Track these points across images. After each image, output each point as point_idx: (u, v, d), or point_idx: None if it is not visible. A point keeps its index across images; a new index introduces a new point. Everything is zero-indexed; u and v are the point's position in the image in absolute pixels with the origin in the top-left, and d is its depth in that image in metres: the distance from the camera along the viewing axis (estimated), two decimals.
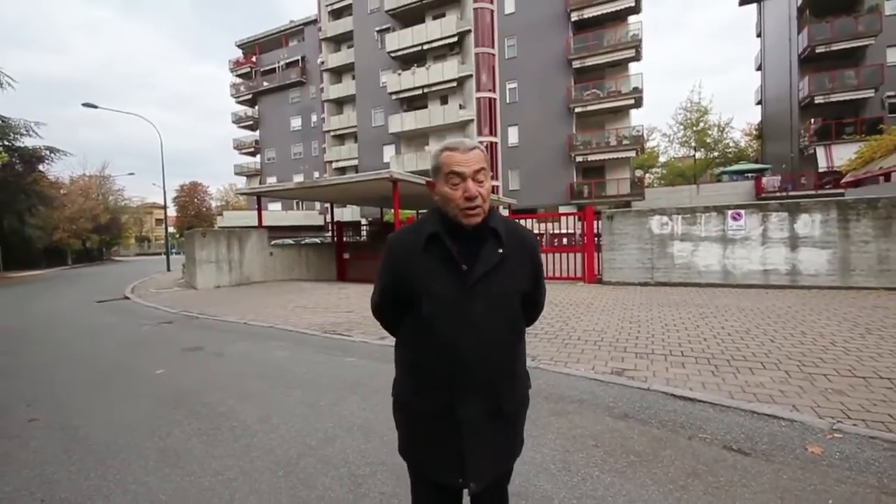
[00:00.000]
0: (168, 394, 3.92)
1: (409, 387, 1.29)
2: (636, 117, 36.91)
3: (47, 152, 23.38)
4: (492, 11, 26.83)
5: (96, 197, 34.73)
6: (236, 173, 48.45)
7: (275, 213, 36.60)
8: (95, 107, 20.44)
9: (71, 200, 30.46)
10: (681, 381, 3.70)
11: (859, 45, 23.92)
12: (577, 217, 10.50)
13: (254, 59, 45.21)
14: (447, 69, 28.14)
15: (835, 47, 24.17)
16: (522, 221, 14.00)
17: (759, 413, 3.05)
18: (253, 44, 45.43)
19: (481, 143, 24.10)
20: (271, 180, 43.19)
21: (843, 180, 10.99)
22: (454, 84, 28.29)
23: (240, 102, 47.17)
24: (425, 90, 29.23)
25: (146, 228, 60.77)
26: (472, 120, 27.60)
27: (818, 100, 24.64)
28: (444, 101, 29.63)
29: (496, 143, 27.48)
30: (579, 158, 27.59)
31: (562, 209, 25.85)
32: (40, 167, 23.96)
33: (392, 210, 13.51)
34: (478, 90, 27.16)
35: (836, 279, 7.79)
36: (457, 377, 1.19)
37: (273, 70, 43.94)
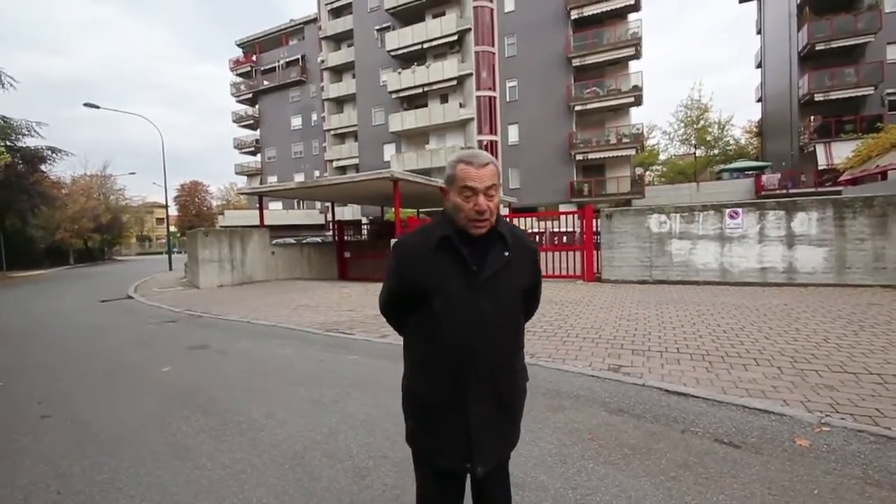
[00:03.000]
0: (175, 391, 4.02)
1: (420, 380, 1.38)
2: (636, 115, 36.96)
3: (49, 152, 23.48)
4: (491, 10, 26.83)
5: (97, 196, 34.81)
6: (237, 172, 48.55)
7: (276, 212, 36.69)
8: (97, 107, 20.52)
9: (73, 200, 30.56)
10: (675, 378, 3.79)
11: (859, 43, 23.90)
12: (576, 215, 10.57)
13: (254, 58, 45.25)
14: (447, 68, 28.19)
15: (834, 45, 24.16)
16: (523, 220, 14.10)
17: (750, 408, 3.14)
18: (253, 43, 45.46)
19: (481, 142, 24.05)
20: (272, 179, 43.29)
21: (841, 178, 11.05)
22: (454, 83, 28.34)
23: (240, 101, 47.24)
24: (425, 89, 29.28)
25: (147, 228, 60.88)
26: (472, 118, 27.64)
27: (818, 97, 24.63)
28: (445, 99, 29.69)
29: (496, 141, 27.52)
30: (579, 157, 27.64)
31: (562, 207, 25.91)
32: (42, 167, 24.08)
33: (393, 209, 13.59)
34: (478, 89, 27.19)
35: (833, 277, 7.87)
36: (467, 369, 1.29)
37: (273, 69, 43.99)
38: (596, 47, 26.90)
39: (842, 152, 20.29)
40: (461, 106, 28.20)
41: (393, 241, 11.80)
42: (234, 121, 47.71)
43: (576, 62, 27.31)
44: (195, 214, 49.24)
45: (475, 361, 1.29)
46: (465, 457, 1.31)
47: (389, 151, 32.23)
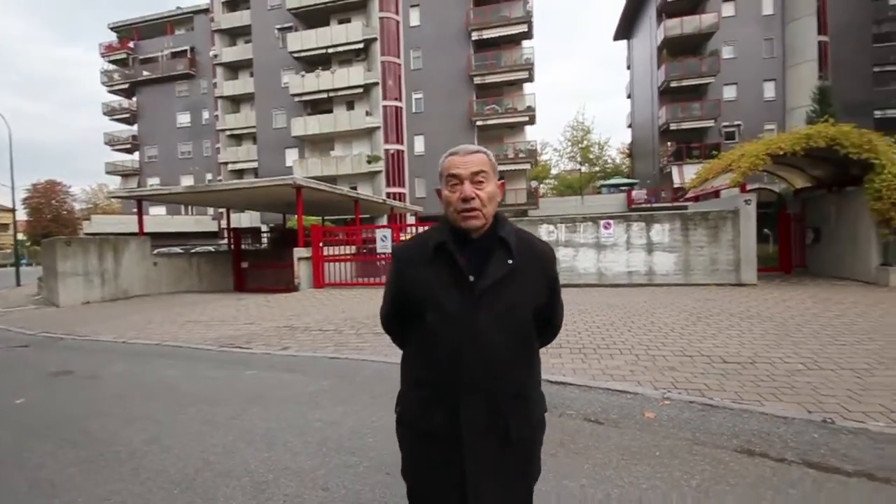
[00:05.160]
0: (35, 423, 3.52)
1: (413, 404, 1.22)
2: (531, 133, 40.12)
3: None
4: (397, 22, 27.36)
5: None
6: (108, 172, 42.46)
7: (159, 217, 32.88)
8: None
9: None
10: (557, 369, 4.31)
11: (703, 83, 28.92)
12: None
13: (131, 44, 40.20)
14: (353, 75, 27.92)
15: (685, 83, 28.94)
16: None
17: (612, 390, 3.71)
18: (130, 28, 40.43)
19: (388, 151, 24.24)
20: (153, 181, 38.71)
21: (686, 196, 13.29)
22: (360, 90, 28.15)
23: (113, 92, 41.57)
24: (330, 94, 28.64)
25: None
26: (378, 127, 27.69)
27: (673, 126, 29.22)
28: (351, 106, 29.32)
29: (403, 151, 27.94)
30: None
31: None
32: None
33: (295, 216, 13.10)
34: (384, 98, 27.41)
35: (681, 278, 9.46)
36: (460, 396, 1.13)
37: (156, 59, 39.52)
38: (495, 68, 28.80)
39: (690, 173, 24.24)
40: (368, 114, 28.09)
41: (295, 249, 11.38)
42: (106, 113, 41.82)
43: (477, 80, 28.93)
44: (52, 220, 42.03)
45: (472, 387, 1.13)
46: (459, 499, 1.13)
47: (292, 156, 30.82)
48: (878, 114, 28.42)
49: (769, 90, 28.93)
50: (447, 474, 1.14)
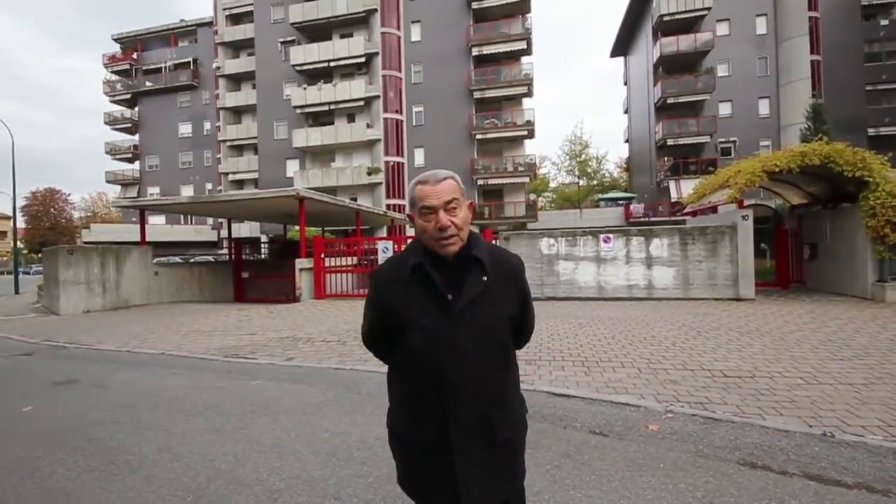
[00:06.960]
0: (43, 432, 3.54)
1: (402, 418, 1.30)
2: (529, 147, 40.56)
3: None
4: (399, 37, 27.82)
5: None
6: (108, 181, 42.61)
7: (158, 226, 32.89)
8: None
9: None
10: (560, 382, 4.36)
11: (699, 99, 29.35)
12: None
13: (135, 55, 40.70)
14: (354, 88, 28.29)
15: (681, 99, 29.38)
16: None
17: (616, 402, 3.76)
18: (134, 39, 40.96)
19: (388, 163, 24.43)
20: (153, 191, 38.85)
21: (684, 211, 13.44)
22: (361, 103, 28.51)
23: (115, 102, 41.91)
24: (332, 107, 28.97)
25: None
26: (379, 139, 27.97)
27: (670, 142, 29.58)
28: (352, 118, 29.65)
29: (403, 163, 28.17)
30: (480, 181, 29.43)
31: None
32: None
33: (297, 227, 13.17)
34: (385, 111, 27.74)
35: (680, 292, 9.54)
36: (447, 407, 1.20)
37: (159, 70, 40.00)
38: (494, 83, 29.22)
39: (687, 188, 24.50)
40: (368, 126, 28.40)
41: (297, 260, 11.45)
42: (108, 122, 42.11)
43: (477, 94, 29.33)
44: (50, 228, 41.95)
45: (458, 398, 1.20)
46: (454, 501, 1.20)
47: (293, 167, 31.04)
48: (871, 131, 28.94)
49: (764, 107, 29.40)
50: (439, 482, 1.21)
